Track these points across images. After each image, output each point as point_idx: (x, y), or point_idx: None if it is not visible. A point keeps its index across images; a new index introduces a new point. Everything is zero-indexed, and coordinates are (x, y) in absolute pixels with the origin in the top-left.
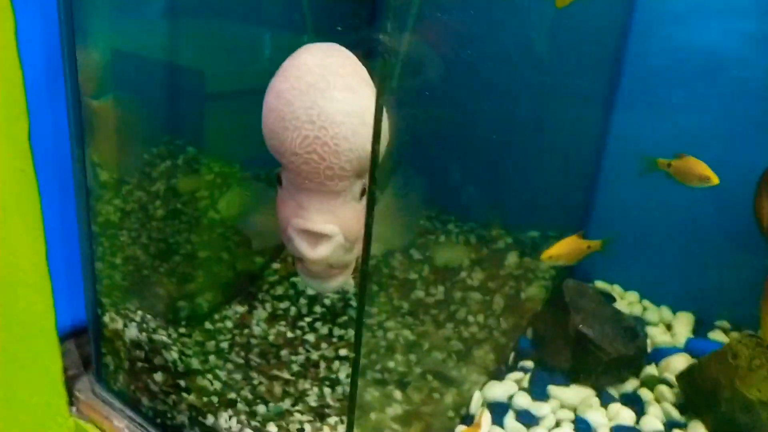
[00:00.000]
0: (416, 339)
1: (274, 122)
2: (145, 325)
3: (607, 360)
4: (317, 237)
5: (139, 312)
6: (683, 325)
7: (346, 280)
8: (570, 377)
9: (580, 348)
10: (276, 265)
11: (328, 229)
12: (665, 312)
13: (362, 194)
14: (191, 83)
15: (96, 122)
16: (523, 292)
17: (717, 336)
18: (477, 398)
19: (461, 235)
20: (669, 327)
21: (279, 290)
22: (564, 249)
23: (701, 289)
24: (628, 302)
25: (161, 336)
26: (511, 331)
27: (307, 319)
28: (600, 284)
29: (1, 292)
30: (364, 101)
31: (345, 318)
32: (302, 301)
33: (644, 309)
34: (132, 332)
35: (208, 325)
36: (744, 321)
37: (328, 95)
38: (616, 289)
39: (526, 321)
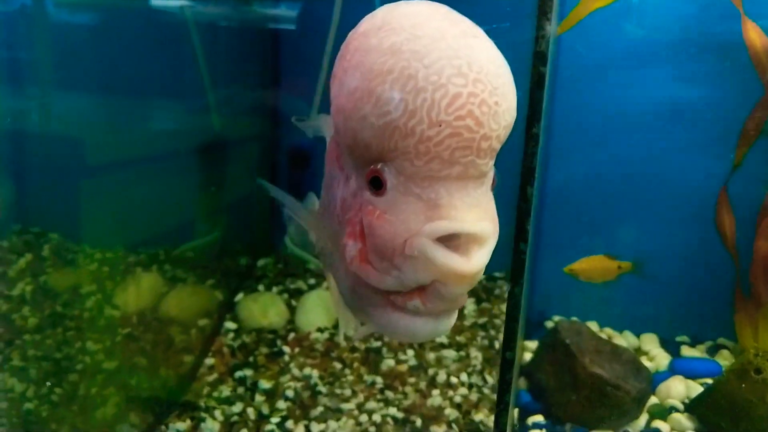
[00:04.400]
0: (405, 416)
1: (393, 88)
2: None
3: (628, 399)
4: (466, 244)
5: None
6: (654, 347)
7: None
8: (589, 425)
9: (596, 392)
10: (210, 361)
11: (487, 228)
12: (630, 337)
13: (493, 183)
14: (52, 157)
15: None
16: (497, 341)
17: (691, 352)
18: None
19: None
20: (638, 351)
21: (224, 390)
22: (588, 265)
23: (660, 309)
24: None
25: None
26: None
27: (274, 420)
28: (558, 319)
29: None
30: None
31: (320, 409)
32: (258, 398)
33: (609, 338)
34: None
35: None
36: (703, 334)
37: (469, 42)
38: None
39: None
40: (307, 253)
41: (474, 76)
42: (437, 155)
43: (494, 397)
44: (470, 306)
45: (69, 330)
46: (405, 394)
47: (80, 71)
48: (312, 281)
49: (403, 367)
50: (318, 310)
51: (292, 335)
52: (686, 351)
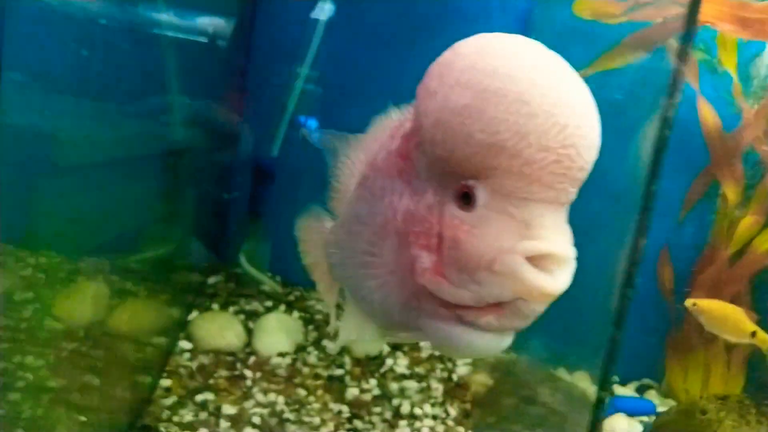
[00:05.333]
0: None
1: (507, 111)
2: None
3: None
4: (549, 265)
5: None
6: (588, 385)
7: None
8: None
9: (554, 426)
10: (166, 382)
11: (573, 252)
12: (564, 374)
13: None
14: None
15: None
16: (454, 374)
17: (622, 391)
18: None
19: None
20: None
21: (186, 415)
22: (717, 312)
23: (593, 348)
24: None
25: None
26: (461, 418)
27: None
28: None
29: None
30: None
31: None
32: (224, 424)
33: None
34: None
35: None
36: (630, 374)
37: (573, 79)
38: (512, 357)
39: (470, 404)
40: (262, 272)
41: (579, 111)
42: (538, 179)
43: (459, 429)
44: None
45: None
46: (372, 424)
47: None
48: (269, 303)
49: (368, 396)
50: (278, 334)
51: (252, 359)
52: (618, 390)
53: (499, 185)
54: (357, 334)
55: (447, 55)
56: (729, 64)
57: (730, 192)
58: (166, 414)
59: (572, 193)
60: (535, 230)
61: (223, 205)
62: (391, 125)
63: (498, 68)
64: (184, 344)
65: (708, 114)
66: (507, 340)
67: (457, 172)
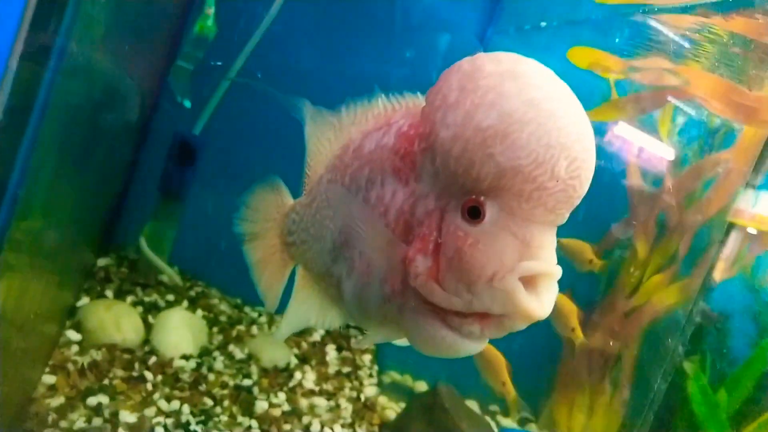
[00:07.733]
0: None
1: (529, 139)
2: None
3: None
4: (539, 284)
5: None
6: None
7: None
8: None
9: None
10: (50, 379)
11: (559, 272)
12: (472, 403)
13: None
14: None
15: None
16: (362, 394)
17: (506, 422)
18: None
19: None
20: None
21: (76, 420)
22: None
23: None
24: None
25: None
26: None
27: None
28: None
29: None
30: None
31: None
32: None
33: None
34: None
35: None
36: (484, 397)
37: (581, 114)
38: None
39: (378, 428)
40: (162, 260)
41: (586, 146)
42: (544, 203)
43: None
44: (332, 353)
45: None
46: None
47: None
48: (170, 297)
49: (277, 412)
50: (182, 333)
51: (153, 359)
52: (502, 420)
53: (507, 205)
54: (306, 319)
55: (467, 67)
56: (663, 129)
57: (641, 247)
58: (52, 418)
59: (566, 217)
60: (533, 250)
61: (125, 177)
62: (378, 116)
63: (524, 95)
64: (72, 335)
65: (635, 171)
66: (483, 346)
67: (468, 186)
